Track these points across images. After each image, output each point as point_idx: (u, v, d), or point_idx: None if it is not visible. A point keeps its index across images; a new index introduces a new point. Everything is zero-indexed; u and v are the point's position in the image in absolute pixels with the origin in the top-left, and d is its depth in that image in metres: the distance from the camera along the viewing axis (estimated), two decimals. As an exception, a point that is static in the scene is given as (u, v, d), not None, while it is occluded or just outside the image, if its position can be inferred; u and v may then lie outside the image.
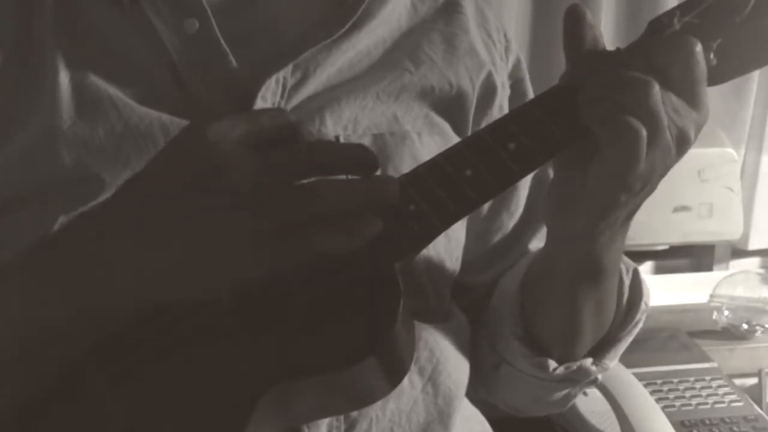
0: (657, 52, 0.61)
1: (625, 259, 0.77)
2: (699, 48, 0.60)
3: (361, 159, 0.56)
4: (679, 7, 0.64)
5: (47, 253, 0.59)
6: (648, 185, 0.62)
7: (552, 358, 0.76)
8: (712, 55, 0.62)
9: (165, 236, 0.54)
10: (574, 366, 0.76)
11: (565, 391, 0.80)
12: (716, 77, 0.63)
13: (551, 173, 0.81)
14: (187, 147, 0.55)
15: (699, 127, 0.62)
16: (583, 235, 0.67)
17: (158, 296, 0.56)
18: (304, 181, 0.54)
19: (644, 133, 0.59)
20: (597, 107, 0.60)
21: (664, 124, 0.60)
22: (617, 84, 0.60)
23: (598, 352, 0.78)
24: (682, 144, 0.62)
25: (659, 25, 0.63)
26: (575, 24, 0.63)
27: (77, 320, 0.57)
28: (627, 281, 0.78)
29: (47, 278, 0.58)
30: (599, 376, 0.79)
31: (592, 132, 0.61)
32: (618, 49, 0.63)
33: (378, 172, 0.56)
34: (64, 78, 0.68)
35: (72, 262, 0.57)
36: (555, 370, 0.76)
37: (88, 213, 0.60)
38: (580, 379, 0.78)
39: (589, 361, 0.77)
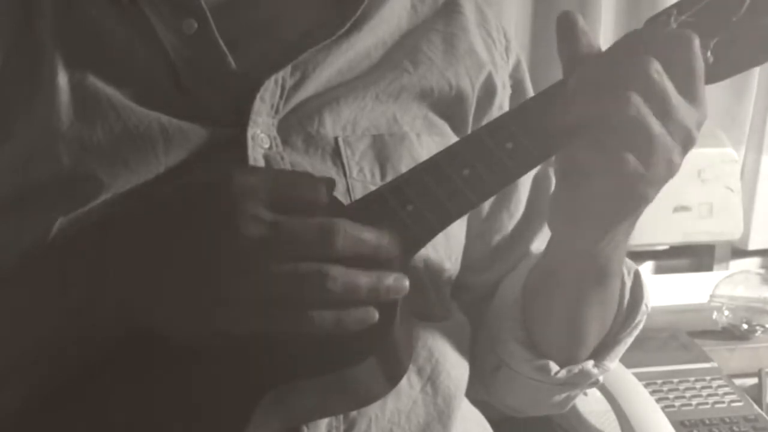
0: (655, 48, 0.60)
1: (627, 260, 0.77)
2: (697, 42, 0.60)
3: (377, 255, 0.57)
4: (675, 5, 0.64)
5: (51, 259, 0.62)
6: (655, 185, 0.62)
7: (553, 361, 0.76)
8: (709, 54, 0.62)
9: (161, 271, 0.57)
10: (576, 369, 0.76)
11: (565, 394, 0.80)
12: (713, 76, 0.63)
13: (551, 173, 0.80)
14: (213, 194, 0.57)
15: (699, 125, 0.62)
16: (591, 244, 0.67)
17: (143, 322, 0.58)
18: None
19: (633, 163, 0.59)
20: (584, 141, 0.60)
21: (653, 132, 0.59)
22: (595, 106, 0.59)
23: (599, 353, 0.78)
24: (687, 143, 0.61)
25: (656, 24, 0.63)
26: (569, 30, 0.63)
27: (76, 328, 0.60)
28: (629, 283, 0.78)
29: (49, 284, 0.61)
30: (600, 378, 0.79)
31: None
32: None
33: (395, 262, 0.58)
34: (62, 78, 0.68)
35: (75, 271, 0.60)
36: (557, 373, 0.76)
37: (98, 224, 0.62)
38: (581, 382, 0.78)
39: (590, 364, 0.77)
